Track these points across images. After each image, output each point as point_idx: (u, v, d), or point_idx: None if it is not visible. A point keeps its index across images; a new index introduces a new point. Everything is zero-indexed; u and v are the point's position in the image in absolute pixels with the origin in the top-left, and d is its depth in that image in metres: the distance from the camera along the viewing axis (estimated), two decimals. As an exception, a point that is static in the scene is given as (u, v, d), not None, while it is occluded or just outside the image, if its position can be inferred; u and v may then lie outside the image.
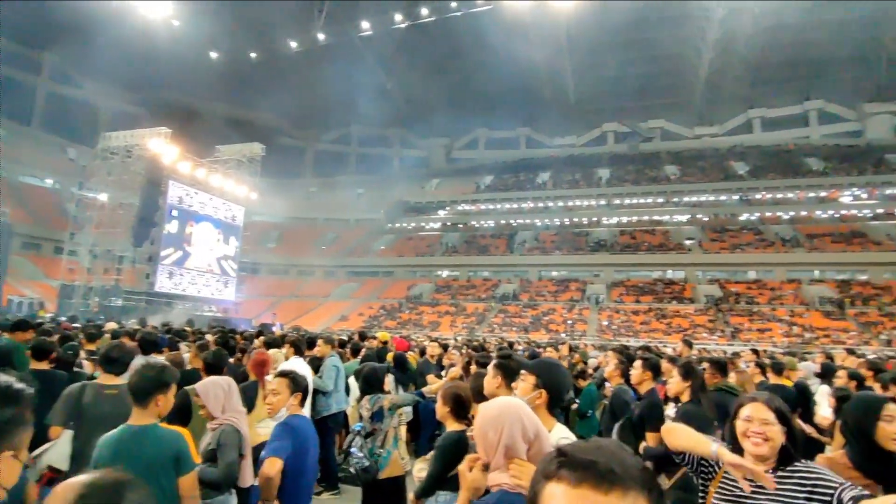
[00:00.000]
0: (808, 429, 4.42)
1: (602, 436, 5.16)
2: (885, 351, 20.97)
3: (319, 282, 46.39)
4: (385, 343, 8.46)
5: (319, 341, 6.57)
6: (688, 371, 3.70)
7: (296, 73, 47.77)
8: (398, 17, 42.32)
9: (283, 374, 3.05)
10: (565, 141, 60.10)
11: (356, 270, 46.86)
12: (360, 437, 3.88)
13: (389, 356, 7.25)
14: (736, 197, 45.28)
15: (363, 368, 4.56)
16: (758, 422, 1.85)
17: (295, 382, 2.99)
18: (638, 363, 4.30)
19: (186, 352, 5.78)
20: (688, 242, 41.59)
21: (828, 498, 1.69)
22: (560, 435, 2.18)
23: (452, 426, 2.92)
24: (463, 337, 25.57)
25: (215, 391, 2.91)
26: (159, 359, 4.22)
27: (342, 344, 7.65)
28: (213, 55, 46.23)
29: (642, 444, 3.81)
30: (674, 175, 50.22)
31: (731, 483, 1.89)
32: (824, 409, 4.77)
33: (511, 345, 13.19)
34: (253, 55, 47.38)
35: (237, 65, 47.14)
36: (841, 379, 4.94)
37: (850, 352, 8.89)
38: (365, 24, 43.78)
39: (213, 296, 28.66)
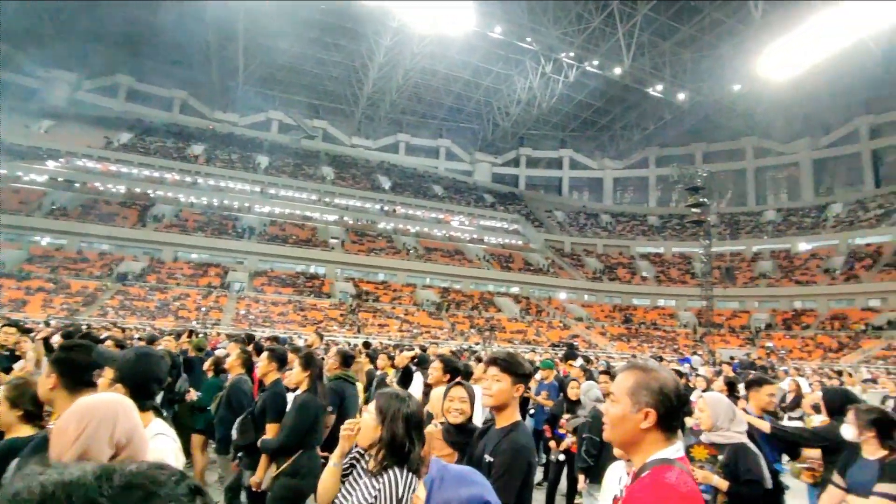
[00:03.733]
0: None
1: (213, 426, 5.01)
2: (463, 345, 26.99)
3: None
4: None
5: None
6: (308, 361, 3.87)
7: None
8: None
9: None
10: (226, 117, 56.28)
11: None
12: None
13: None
14: (378, 207, 51.07)
15: None
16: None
17: None
18: (264, 355, 4.30)
19: None
20: (332, 241, 44.45)
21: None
22: (156, 431, 1.97)
23: (18, 432, 2.34)
24: (59, 320, 21.18)
25: None
26: None
27: None
28: None
29: (262, 437, 3.83)
30: (329, 177, 53.20)
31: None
32: (415, 391, 5.77)
33: (124, 330, 11.49)
34: None
35: None
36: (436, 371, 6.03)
37: (436, 346, 11.07)
38: None
39: None
